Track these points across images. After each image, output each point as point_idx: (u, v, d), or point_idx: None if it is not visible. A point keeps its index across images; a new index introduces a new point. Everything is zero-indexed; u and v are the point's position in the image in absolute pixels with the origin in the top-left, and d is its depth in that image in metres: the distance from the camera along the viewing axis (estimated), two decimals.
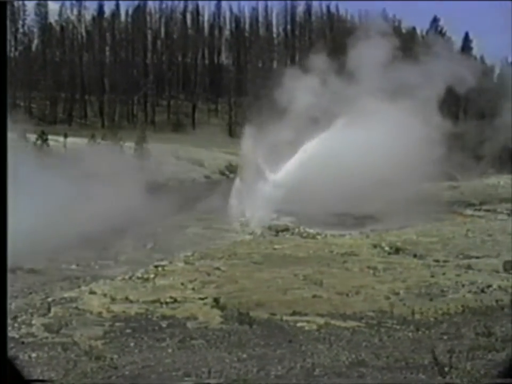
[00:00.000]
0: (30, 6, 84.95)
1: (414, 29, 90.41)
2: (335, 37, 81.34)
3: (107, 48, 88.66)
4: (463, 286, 16.49)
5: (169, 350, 11.70)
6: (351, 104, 32.95)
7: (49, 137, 47.18)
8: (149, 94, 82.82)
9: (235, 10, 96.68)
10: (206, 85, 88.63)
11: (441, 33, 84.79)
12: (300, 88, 34.42)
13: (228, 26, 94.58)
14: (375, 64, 35.01)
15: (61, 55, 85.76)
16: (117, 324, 13.67)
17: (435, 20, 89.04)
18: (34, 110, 75.89)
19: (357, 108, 32.58)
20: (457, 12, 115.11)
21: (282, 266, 19.00)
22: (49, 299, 15.93)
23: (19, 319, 13.84)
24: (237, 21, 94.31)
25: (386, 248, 21.55)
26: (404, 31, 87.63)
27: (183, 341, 12.35)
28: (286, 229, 26.24)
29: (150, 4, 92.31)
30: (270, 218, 27.61)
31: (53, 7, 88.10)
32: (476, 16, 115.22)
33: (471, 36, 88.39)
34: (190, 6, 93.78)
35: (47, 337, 12.70)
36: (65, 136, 51.40)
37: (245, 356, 11.02)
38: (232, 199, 30.45)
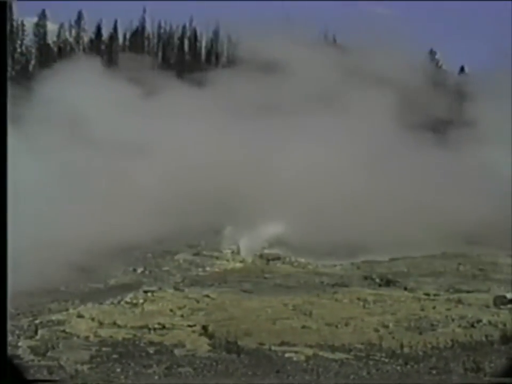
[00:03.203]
0: (29, 26, 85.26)
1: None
2: None
3: None
4: (453, 320, 16.44)
5: (156, 377, 11.63)
6: None
7: None
8: None
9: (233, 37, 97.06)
10: None
11: (438, 66, 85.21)
12: None
13: (225, 53, 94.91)
14: None
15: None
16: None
17: (431, 53, 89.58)
18: None
19: None
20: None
21: (272, 295, 18.95)
22: None
23: None
24: (234, 47, 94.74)
25: (377, 280, 21.56)
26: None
27: (170, 368, 12.28)
28: (277, 258, 26.14)
29: (148, 28, 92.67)
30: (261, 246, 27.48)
31: (51, 27, 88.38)
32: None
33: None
34: (188, 31, 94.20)
35: None
36: None
37: None
38: None
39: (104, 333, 14.89)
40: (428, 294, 19.62)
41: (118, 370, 12.11)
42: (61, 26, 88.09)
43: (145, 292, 19.32)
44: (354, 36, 42.90)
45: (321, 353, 13.58)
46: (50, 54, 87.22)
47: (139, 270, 23.59)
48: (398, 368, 12.52)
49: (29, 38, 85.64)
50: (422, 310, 17.44)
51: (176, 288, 19.98)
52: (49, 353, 13.20)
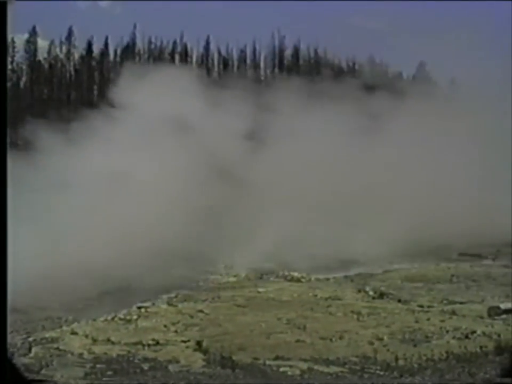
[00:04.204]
0: (20, 42, 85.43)
1: (400, 74, 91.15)
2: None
3: (95, 87, 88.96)
4: (447, 331, 16.44)
5: None
6: None
7: None
8: None
9: (223, 52, 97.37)
10: None
11: (428, 78, 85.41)
12: None
13: (216, 68, 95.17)
14: None
15: (49, 93, 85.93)
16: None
17: (421, 65, 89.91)
18: (21, 147, 75.71)
19: None
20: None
21: (265, 310, 18.92)
22: None
23: None
24: (225, 62, 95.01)
25: (371, 293, 21.54)
26: (390, 75, 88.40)
27: None
28: (271, 272, 26.13)
29: (139, 43, 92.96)
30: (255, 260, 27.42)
31: (42, 44, 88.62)
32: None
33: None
34: (179, 47, 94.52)
35: None
36: None
37: None
38: None
39: (98, 349, 14.86)
40: (421, 306, 19.62)
41: None
42: (52, 42, 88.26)
43: (139, 307, 19.28)
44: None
45: (316, 367, 13.56)
46: (41, 71, 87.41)
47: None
48: (393, 380, 12.52)
49: (19, 55, 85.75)
50: (416, 322, 17.43)
51: (169, 304, 19.94)
52: (43, 371, 13.17)
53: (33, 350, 14.77)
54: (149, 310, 19.04)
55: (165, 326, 17.09)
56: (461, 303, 20.11)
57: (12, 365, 7.54)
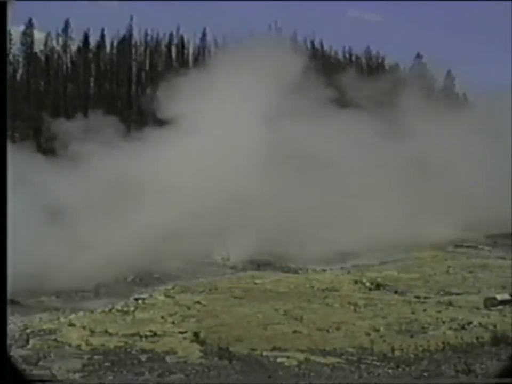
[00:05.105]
0: (16, 35, 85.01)
1: (397, 65, 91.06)
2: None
3: (91, 79, 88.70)
4: (443, 322, 16.48)
5: None
6: None
7: None
8: (132, 126, 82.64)
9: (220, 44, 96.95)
10: None
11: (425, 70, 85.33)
12: None
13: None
14: None
15: (46, 85, 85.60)
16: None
17: (418, 56, 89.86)
18: (17, 139, 75.55)
19: None
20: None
21: (263, 301, 18.95)
22: None
23: None
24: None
25: (367, 284, 21.57)
26: (387, 67, 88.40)
27: (162, 375, 12.27)
28: (268, 263, 26.15)
29: (135, 36, 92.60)
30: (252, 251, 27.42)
31: (38, 36, 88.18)
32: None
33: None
34: (175, 39, 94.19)
35: None
36: None
37: None
38: None
39: (95, 341, 14.87)
40: (418, 297, 19.67)
41: (110, 378, 12.10)
42: (48, 35, 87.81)
43: (136, 299, 19.30)
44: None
45: (312, 357, 13.59)
46: (37, 63, 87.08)
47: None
48: (390, 371, 12.54)
49: (16, 47, 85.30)
50: (413, 313, 17.49)
51: (166, 295, 19.95)
52: (41, 363, 13.17)
53: (31, 341, 14.78)
54: (146, 301, 19.07)
55: (162, 317, 17.12)
56: (457, 294, 20.19)
57: (12, 365, 7.53)
